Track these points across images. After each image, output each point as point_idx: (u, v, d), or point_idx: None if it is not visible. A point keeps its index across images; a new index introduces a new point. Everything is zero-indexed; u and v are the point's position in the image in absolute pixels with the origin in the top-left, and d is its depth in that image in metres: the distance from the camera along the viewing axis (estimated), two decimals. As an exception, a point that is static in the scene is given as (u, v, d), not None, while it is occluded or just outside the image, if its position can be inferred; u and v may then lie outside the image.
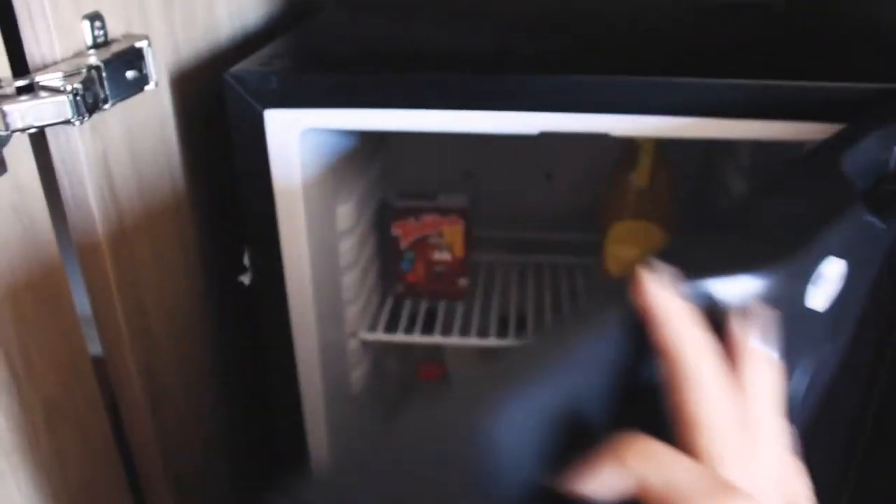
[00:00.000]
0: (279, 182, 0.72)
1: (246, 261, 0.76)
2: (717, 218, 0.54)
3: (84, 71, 0.55)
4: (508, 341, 0.97)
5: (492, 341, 0.96)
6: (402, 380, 1.19)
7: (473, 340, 0.96)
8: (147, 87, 0.63)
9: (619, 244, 0.97)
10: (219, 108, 0.70)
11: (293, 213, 0.74)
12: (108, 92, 0.57)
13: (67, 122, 0.54)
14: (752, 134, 0.67)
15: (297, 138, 0.71)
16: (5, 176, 0.51)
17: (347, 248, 0.90)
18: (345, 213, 0.88)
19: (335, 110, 0.69)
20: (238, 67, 0.70)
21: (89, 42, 0.58)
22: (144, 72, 0.62)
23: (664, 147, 0.93)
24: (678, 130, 0.66)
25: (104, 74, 0.57)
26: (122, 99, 0.60)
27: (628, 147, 0.95)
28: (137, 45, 0.61)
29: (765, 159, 0.96)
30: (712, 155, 1.12)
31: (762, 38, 0.83)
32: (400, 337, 0.98)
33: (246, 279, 0.77)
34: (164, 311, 0.73)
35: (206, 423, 0.85)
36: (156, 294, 0.71)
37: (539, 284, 1.09)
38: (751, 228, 0.47)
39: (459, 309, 1.01)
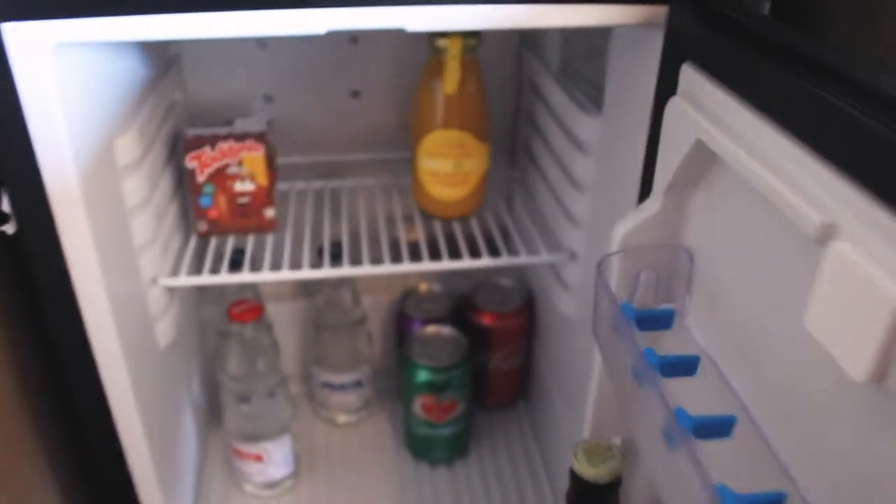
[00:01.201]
0: (32, 111, 0.62)
1: (5, 206, 0.66)
2: None
3: None
4: (324, 272, 0.91)
5: (305, 273, 0.90)
6: (218, 325, 1.11)
7: (286, 274, 0.89)
8: None
9: (431, 156, 0.92)
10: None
11: (55, 147, 0.63)
12: None
13: None
14: (557, 21, 0.63)
15: (48, 57, 0.60)
16: None
17: (134, 185, 0.80)
18: (125, 145, 0.78)
19: (89, 19, 0.59)
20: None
21: None
22: None
23: (472, 50, 0.89)
24: (479, 21, 0.61)
25: None
26: None
27: (435, 54, 0.89)
28: None
29: (573, 60, 0.94)
30: (523, 58, 1.09)
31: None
32: (206, 279, 0.90)
33: (8, 228, 0.67)
34: None
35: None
36: None
37: (353, 210, 1.03)
38: None
39: (270, 243, 0.94)
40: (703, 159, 0.54)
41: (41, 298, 0.71)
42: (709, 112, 0.52)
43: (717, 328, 0.56)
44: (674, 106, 0.57)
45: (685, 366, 0.55)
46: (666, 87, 0.61)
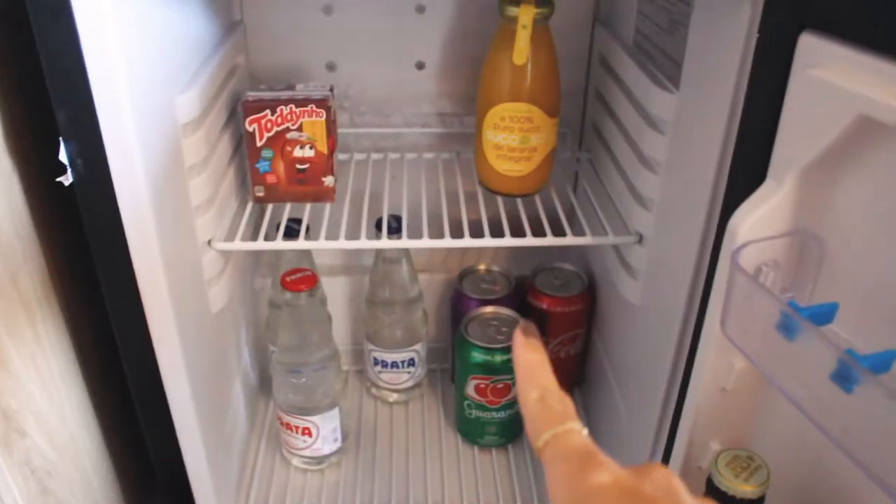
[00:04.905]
0: (93, 59, 0.60)
1: (63, 157, 0.64)
2: None
3: None
4: (382, 243, 0.88)
5: (363, 242, 0.87)
6: (271, 296, 1.09)
7: (343, 243, 0.86)
8: None
9: (497, 129, 0.89)
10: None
11: (114, 96, 0.62)
12: None
13: None
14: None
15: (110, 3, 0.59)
16: None
17: (193, 145, 0.78)
18: (186, 103, 0.76)
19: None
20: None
21: None
22: None
23: (545, 20, 0.85)
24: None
25: None
26: None
27: (505, 23, 0.86)
28: None
29: (648, 33, 0.89)
30: (595, 33, 1.05)
31: None
32: (261, 244, 0.88)
33: (66, 179, 0.66)
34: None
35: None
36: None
37: (414, 184, 1.00)
38: None
39: (327, 214, 0.92)
40: (860, 137, 0.49)
41: (94, 252, 0.70)
42: (866, 84, 0.47)
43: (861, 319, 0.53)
44: (813, 80, 0.51)
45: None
46: (771, 61, 0.56)
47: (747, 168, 0.59)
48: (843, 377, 0.44)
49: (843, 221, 0.54)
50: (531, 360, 0.47)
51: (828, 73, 0.49)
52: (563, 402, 0.44)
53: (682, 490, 0.38)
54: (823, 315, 0.50)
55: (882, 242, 0.51)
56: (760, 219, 0.55)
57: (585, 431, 0.42)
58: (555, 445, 0.41)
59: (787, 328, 0.49)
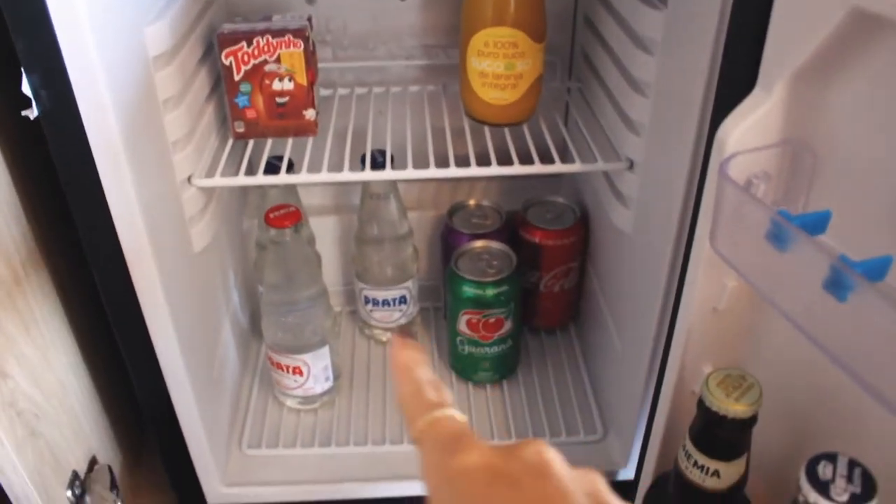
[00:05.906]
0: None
1: (26, 89, 0.62)
2: None
3: None
4: (365, 175, 0.86)
5: (345, 175, 0.85)
6: (257, 236, 1.08)
7: (325, 176, 0.84)
8: None
9: (481, 56, 0.86)
10: None
11: (75, 21, 0.59)
12: None
13: None
14: None
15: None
16: None
17: (166, 78, 0.76)
18: (156, 34, 0.73)
19: None
20: None
21: None
22: None
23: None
24: None
25: None
26: None
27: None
28: None
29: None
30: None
31: None
32: (242, 179, 0.86)
33: (31, 113, 0.63)
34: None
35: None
36: None
37: (399, 117, 0.97)
38: None
39: (309, 148, 0.89)
40: (851, 35, 0.47)
41: (66, 188, 0.68)
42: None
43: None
44: None
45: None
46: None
47: (736, 78, 0.57)
48: (837, 285, 0.42)
49: (835, 130, 0.52)
50: (406, 357, 0.46)
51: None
52: (438, 392, 0.43)
53: (554, 463, 0.37)
54: (816, 223, 0.49)
55: (876, 148, 0.49)
56: (749, 129, 0.53)
57: (463, 418, 0.42)
58: (429, 433, 0.41)
59: (778, 238, 0.47)
